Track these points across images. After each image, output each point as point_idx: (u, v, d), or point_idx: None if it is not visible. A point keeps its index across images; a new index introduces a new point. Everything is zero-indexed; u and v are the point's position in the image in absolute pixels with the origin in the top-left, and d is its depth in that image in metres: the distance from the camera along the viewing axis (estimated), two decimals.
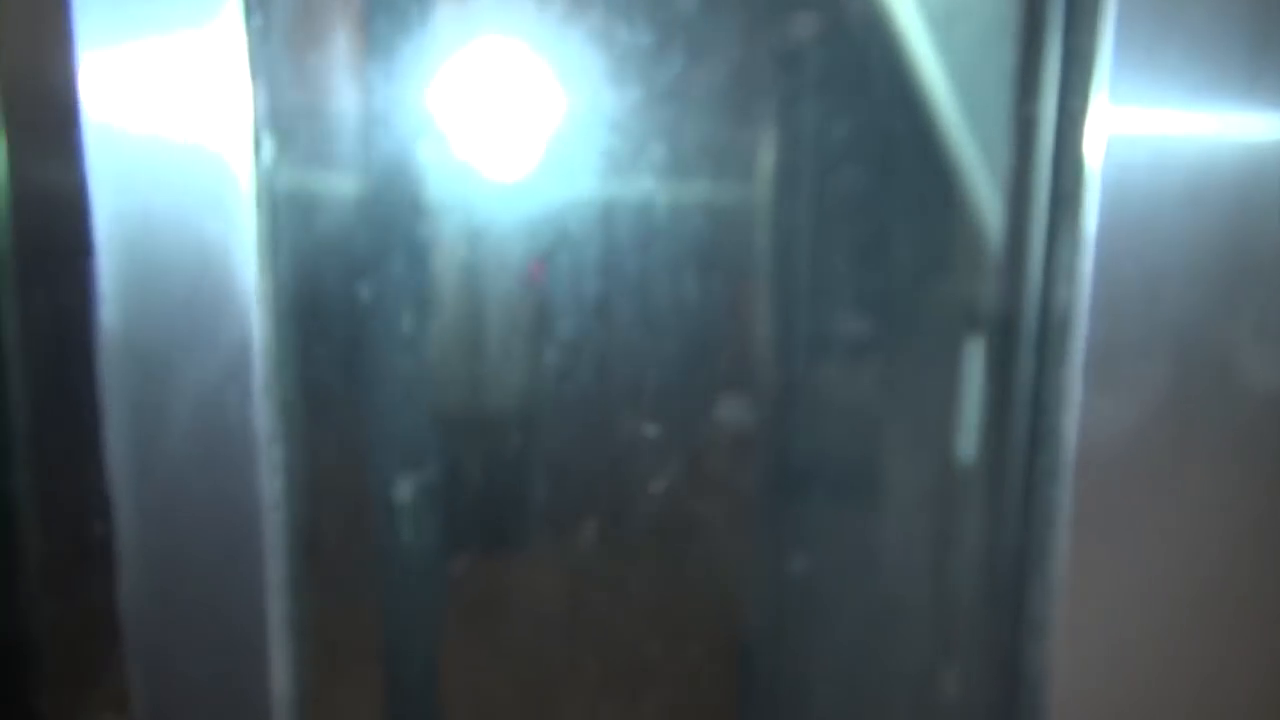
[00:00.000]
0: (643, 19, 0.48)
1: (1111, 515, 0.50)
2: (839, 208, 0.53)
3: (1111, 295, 0.48)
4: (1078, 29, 0.47)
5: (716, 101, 0.50)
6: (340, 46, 0.47)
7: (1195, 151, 0.47)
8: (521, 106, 0.48)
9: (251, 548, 0.45)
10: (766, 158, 0.52)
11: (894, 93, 0.51)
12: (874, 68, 0.51)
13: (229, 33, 0.42)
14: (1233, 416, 0.49)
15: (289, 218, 0.45)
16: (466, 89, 0.48)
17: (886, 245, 0.54)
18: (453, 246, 0.49)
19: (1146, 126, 0.47)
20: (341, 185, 0.48)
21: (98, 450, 0.44)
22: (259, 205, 0.43)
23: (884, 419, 0.56)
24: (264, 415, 0.44)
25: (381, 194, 0.48)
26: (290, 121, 0.46)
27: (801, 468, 0.56)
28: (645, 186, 0.49)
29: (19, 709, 0.53)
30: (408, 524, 0.49)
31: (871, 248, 0.53)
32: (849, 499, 0.56)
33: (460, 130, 0.48)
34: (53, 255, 0.45)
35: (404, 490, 0.49)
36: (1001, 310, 0.52)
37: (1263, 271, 0.49)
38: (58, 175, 0.45)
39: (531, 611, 0.52)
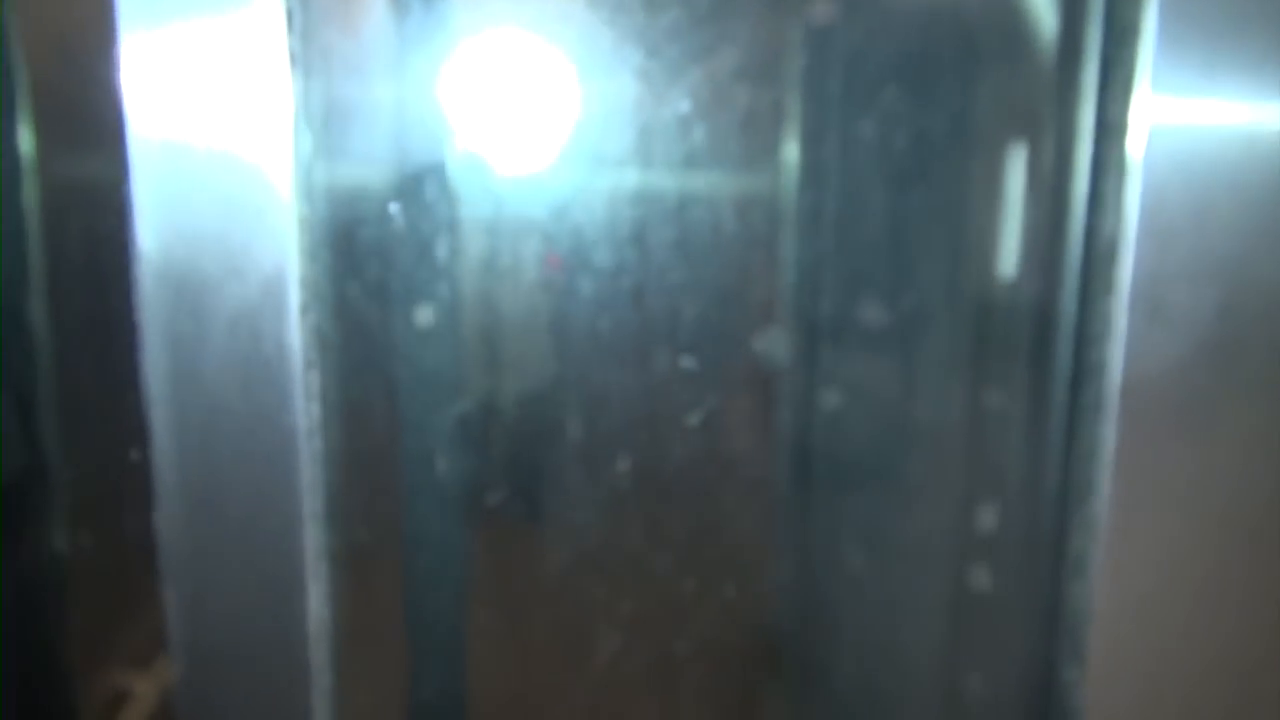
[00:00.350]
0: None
1: (1157, 452, 0.49)
2: (873, 154, 0.52)
3: (1158, 224, 0.47)
4: None
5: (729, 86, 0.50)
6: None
7: (1247, 72, 0.46)
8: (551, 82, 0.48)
9: (288, 476, 0.45)
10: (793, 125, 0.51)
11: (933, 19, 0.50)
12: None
13: None
14: (1276, 347, 0.48)
15: (325, 141, 0.45)
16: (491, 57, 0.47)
17: (926, 185, 0.53)
18: (485, 179, 0.48)
19: (1197, 53, 0.46)
20: (378, 115, 0.48)
21: (135, 378, 0.44)
22: (296, 127, 0.43)
23: (923, 360, 0.55)
24: (300, 342, 0.44)
25: (416, 123, 0.47)
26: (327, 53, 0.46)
27: (839, 417, 0.55)
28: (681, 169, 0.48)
29: (47, 656, 0.54)
30: (443, 455, 0.49)
31: (912, 187, 0.53)
32: (887, 444, 0.56)
33: (487, 89, 0.48)
34: (89, 182, 0.45)
35: (439, 422, 0.49)
36: (1046, 240, 0.51)
37: None
38: (94, 104, 0.44)
39: (561, 549, 0.52)
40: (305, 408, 0.44)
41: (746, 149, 0.51)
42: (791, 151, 0.52)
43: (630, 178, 0.49)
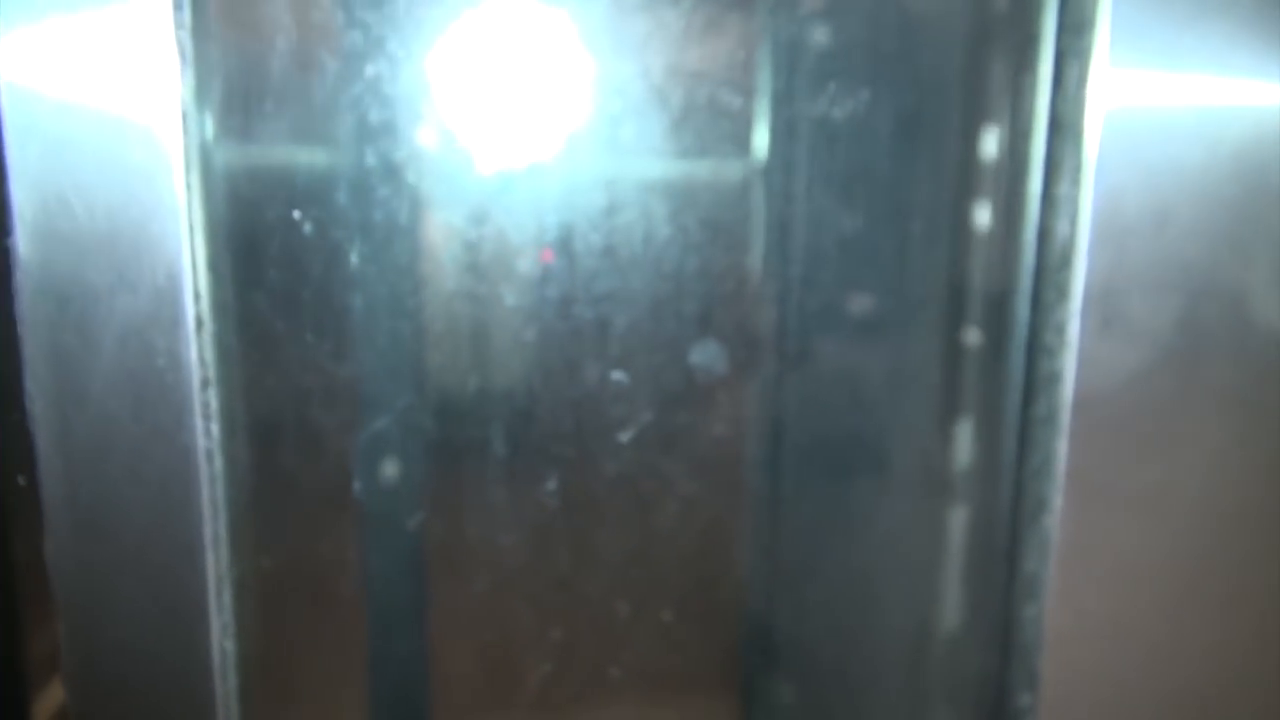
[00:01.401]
0: None
1: (1113, 466, 0.46)
2: (814, 152, 0.49)
3: (1115, 228, 0.44)
4: None
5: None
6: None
7: (1209, 69, 0.43)
8: (474, 74, 0.45)
9: (187, 499, 0.42)
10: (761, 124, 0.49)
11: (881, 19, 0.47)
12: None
13: None
14: (1244, 359, 0.46)
15: (225, 144, 0.41)
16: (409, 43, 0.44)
17: (876, 184, 0.50)
18: (395, 183, 0.45)
19: (1154, 50, 0.43)
20: (284, 116, 0.44)
21: (19, 397, 0.41)
22: (186, 126, 0.40)
23: (874, 367, 0.52)
24: (195, 356, 0.41)
25: (321, 125, 0.44)
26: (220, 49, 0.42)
27: (791, 426, 0.52)
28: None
29: None
30: (358, 473, 0.46)
31: (853, 189, 0.50)
32: (839, 456, 0.53)
33: (399, 79, 0.44)
34: None
35: (353, 438, 0.46)
36: (998, 245, 0.48)
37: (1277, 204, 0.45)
38: None
39: (482, 562, 0.49)
40: (204, 427, 0.42)
41: (691, 141, 0.48)
42: (739, 145, 0.49)
43: (556, 174, 0.46)
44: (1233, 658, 0.49)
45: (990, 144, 0.49)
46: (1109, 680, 0.48)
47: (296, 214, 0.43)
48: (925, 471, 0.51)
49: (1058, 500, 0.46)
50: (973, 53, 0.48)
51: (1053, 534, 0.47)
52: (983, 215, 0.48)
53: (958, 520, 0.51)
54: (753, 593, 0.53)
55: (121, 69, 0.39)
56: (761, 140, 0.48)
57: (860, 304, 0.50)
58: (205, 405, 0.41)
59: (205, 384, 0.41)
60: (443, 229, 0.46)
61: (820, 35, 0.48)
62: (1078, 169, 0.44)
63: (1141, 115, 0.43)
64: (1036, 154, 0.46)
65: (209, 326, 0.41)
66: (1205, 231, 0.45)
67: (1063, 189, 0.45)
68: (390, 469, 0.47)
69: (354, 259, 0.45)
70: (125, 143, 0.39)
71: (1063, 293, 0.45)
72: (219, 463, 0.42)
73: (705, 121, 0.47)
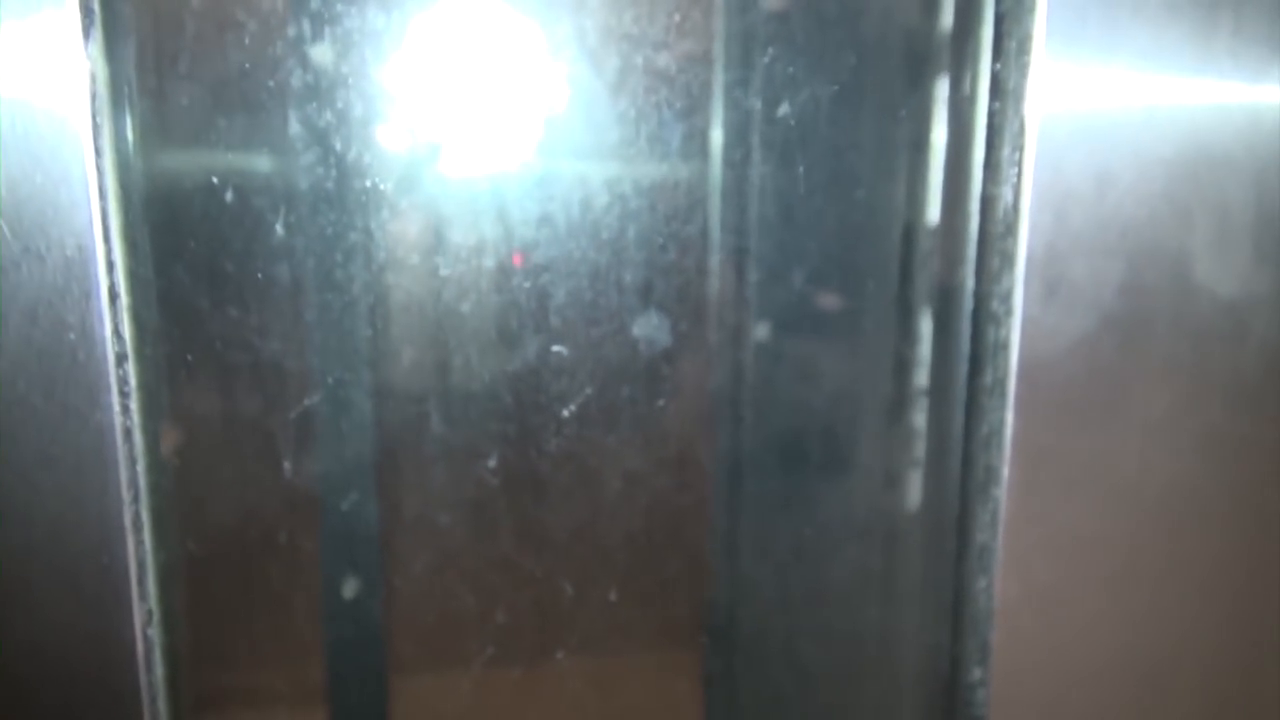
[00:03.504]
0: None
1: (1059, 436, 0.46)
2: (757, 125, 0.48)
3: (1056, 192, 0.44)
4: None
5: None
6: None
7: (1153, 26, 0.43)
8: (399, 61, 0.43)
9: (104, 481, 0.40)
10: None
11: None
12: None
13: None
14: (1189, 325, 0.46)
15: (143, 110, 0.40)
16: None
17: (812, 157, 0.49)
18: (320, 150, 0.43)
19: (1097, 5, 0.43)
20: (203, 86, 0.43)
21: None
22: (95, 92, 0.38)
23: (820, 343, 0.52)
24: (111, 332, 0.39)
25: (239, 92, 0.42)
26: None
27: (743, 404, 0.51)
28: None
29: None
30: (283, 452, 0.44)
31: (798, 159, 0.49)
32: (786, 435, 0.52)
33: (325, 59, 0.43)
34: None
35: (283, 415, 0.44)
36: (942, 213, 0.47)
37: (1222, 168, 0.45)
38: None
39: (415, 553, 0.48)
40: (121, 404, 0.40)
41: (634, 124, 0.47)
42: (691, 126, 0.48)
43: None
44: (1178, 624, 0.49)
45: (933, 112, 0.48)
46: (1058, 651, 0.48)
47: (215, 180, 0.42)
48: (872, 446, 0.51)
49: (1005, 471, 0.46)
50: (912, 18, 0.47)
51: (1002, 505, 0.46)
52: (928, 186, 0.48)
53: (907, 493, 0.50)
54: (700, 572, 0.52)
55: (22, 28, 0.37)
56: (716, 131, 0.47)
57: (807, 282, 0.49)
58: (122, 381, 0.39)
59: (121, 359, 0.39)
60: (368, 197, 0.44)
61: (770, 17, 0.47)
62: (1019, 134, 0.43)
63: (1082, 79, 0.43)
64: (978, 121, 0.46)
65: (124, 299, 0.39)
66: (1146, 194, 0.44)
67: (1004, 154, 0.44)
68: (323, 448, 0.45)
69: (279, 228, 0.43)
70: (28, 108, 0.38)
71: (1007, 260, 0.44)
72: (139, 442, 0.40)
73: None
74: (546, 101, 0.45)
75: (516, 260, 0.45)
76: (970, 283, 0.46)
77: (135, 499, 0.40)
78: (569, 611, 0.50)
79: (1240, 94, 0.44)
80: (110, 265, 0.39)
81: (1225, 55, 0.44)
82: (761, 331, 0.50)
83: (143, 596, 0.41)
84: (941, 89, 0.47)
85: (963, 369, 0.47)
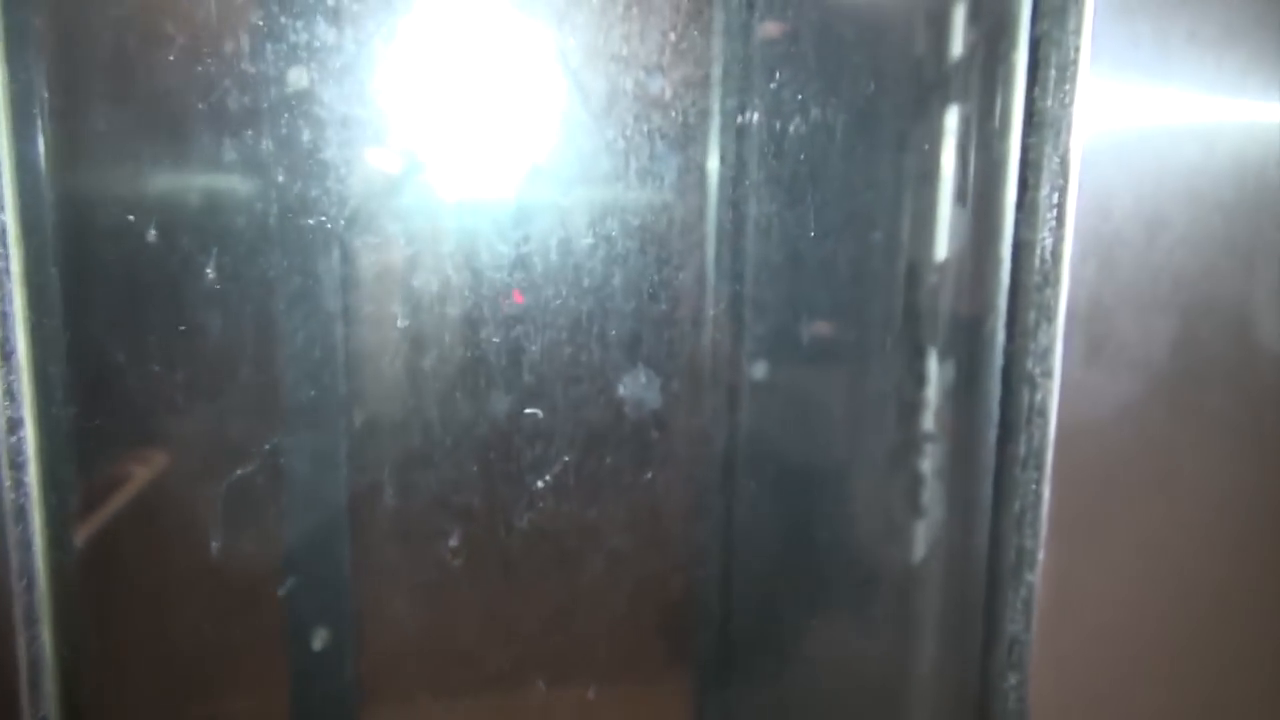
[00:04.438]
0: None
1: (1100, 511, 0.40)
2: (778, 165, 0.43)
3: (1102, 238, 0.38)
4: None
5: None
6: None
7: (1207, 52, 0.38)
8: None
9: None
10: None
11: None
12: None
13: None
14: (1249, 388, 0.40)
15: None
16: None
17: (826, 195, 0.44)
18: (255, 180, 0.38)
19: (1147, 29, 0.37)
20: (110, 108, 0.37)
21: None
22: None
23: (820, 407, 0.46)
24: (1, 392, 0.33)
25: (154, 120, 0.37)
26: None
27: (756, 457, 0.45)
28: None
29: None
30: (212, 530, 0.38)
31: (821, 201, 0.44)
32: (809, 498, 0.46)
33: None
34: None
35: (205, 488, 0.38)
36: (969, 260, 0.42)
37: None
38: None
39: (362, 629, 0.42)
40: (11, 478, 0.34)
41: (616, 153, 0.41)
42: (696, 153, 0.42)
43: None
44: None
45: (956, 147, 0.43)
46: None
47: (134, 218, 0.36)
48: (884, 523, 0.45)
49: (1040, 553, 0.40)
50: (938, 38, 0.42)
51: (1036, 592, 0.40)
52: (950, 229, 0.42)
53: (926, 577, 0.45)
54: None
55: None
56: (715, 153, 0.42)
57: (814, 331, 0.44)
58: (14, 452, 0.34)
59: (15, 425, 0.33)
60: (313, 237, 0.38)
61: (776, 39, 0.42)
62: (1059, 172, 0.38)
63: (1130, 111, 0.38)
64: (1010, 156, 0.40)
65: (20, 354, 0.34)
66: (1203, 239, 0.39)
67: (1041, 194, 0.39)
68: (259, 524, 0.39)
69: (210, 271, 0.37)
70: None
71: (1045, 313, 0.39)
72: (35, 521, 0.34)
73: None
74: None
75: (518, 298, 0.40)
76: (1001, 338, 0.40)
77: (29, 588, 0.34)
78: None
79: None
80: (3, 316, 0.33)
81: None
82: (758, 388, 0.44)
83: (36, 703, 0.35)
84: (968, 120, 0.42)
85: (991, 436, 0.42)
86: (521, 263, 0.39)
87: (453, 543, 0.40)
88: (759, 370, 0.43)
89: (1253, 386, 0.40)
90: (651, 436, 0.41)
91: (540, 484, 0.40)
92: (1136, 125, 0.38)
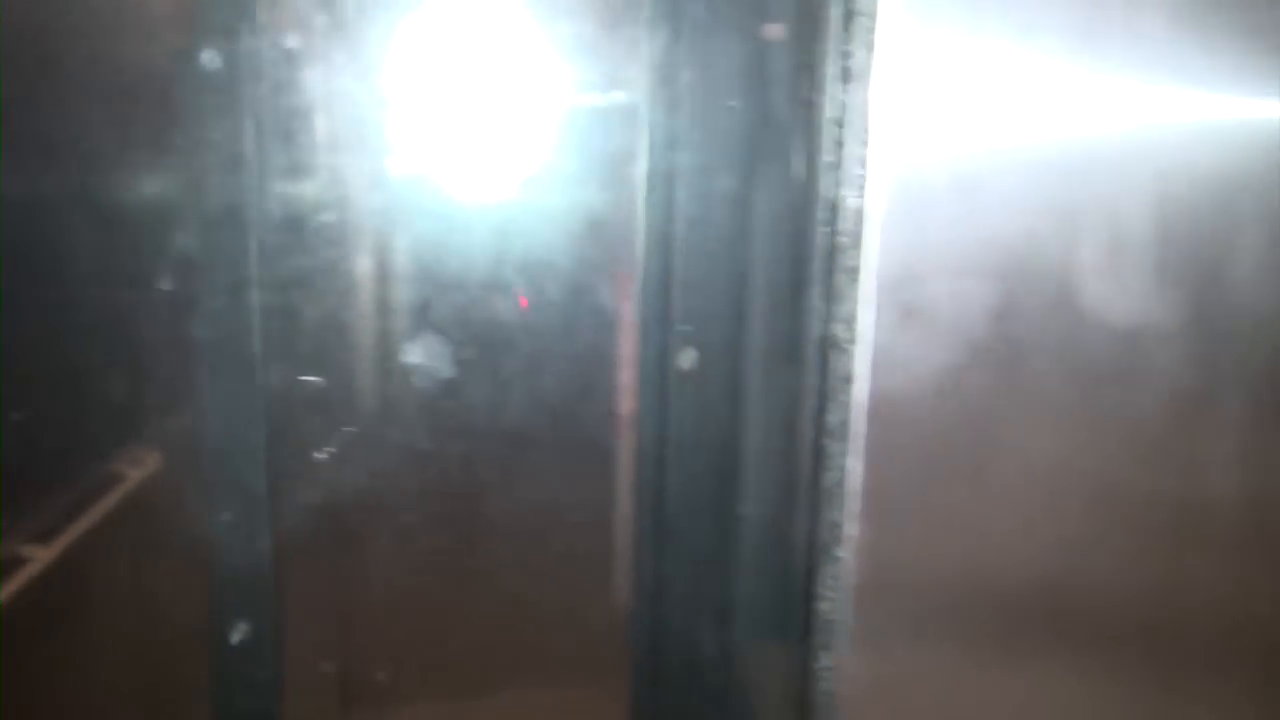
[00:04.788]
0: None
1: (917, 487, 0.38)
2: None
3: (912, 197, 0.36)
4: None
5: None
6: None
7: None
8: None
9: None
10: None
11: None
12: None
13: None
14: (1075, 359, 0.38)
15: None
16: None
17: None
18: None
19: None
20: None
21: None
22: None
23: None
24: None
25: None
26: None
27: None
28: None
29: None
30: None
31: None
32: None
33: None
34: None
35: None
36: (773, 221, 0.40)
37: (1115, 169, 0.37)
38: None
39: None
40: None
41: None
42: None
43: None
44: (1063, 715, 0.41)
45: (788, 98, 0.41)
46: None
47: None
48: (712, 489, 0.43)
49: (852, 528, 0.38)
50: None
51: (849, 569, 0.38)
52: (748, 183, 0.40)
53: (744, 553, 0.43)
54: None
55: None
56: None
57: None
58: None
59: None
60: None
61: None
62: (864, 126, 0.36)
63: (943, 56, 0.35)
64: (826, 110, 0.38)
65: None
66: (1023, 202, 0.37)
67: (849, 150, 0.37)
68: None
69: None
70: None
71: (851, 274, 0.37)
72: None
73: None
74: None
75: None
76: (808, 304, 0.39)
77: None
78: None
79: (1130, 86, 0.37)
80: None
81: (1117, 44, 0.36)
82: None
83: None
84: (790, 75, 0.40)
85: (810, 407, 0.40)
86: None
87: None
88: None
89: (1078, 356, 0.38)
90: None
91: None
92: (948, 78, 0.36)
